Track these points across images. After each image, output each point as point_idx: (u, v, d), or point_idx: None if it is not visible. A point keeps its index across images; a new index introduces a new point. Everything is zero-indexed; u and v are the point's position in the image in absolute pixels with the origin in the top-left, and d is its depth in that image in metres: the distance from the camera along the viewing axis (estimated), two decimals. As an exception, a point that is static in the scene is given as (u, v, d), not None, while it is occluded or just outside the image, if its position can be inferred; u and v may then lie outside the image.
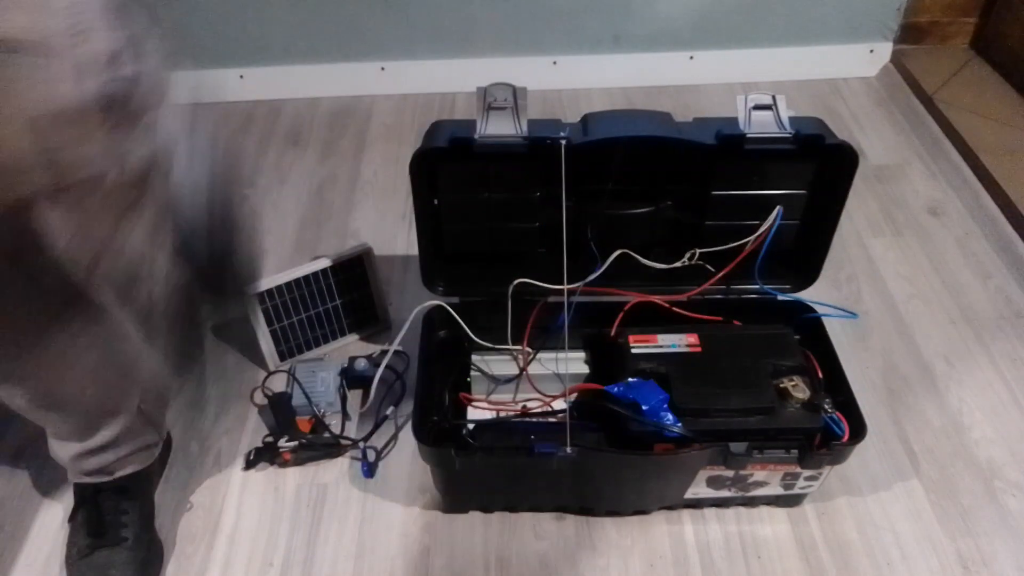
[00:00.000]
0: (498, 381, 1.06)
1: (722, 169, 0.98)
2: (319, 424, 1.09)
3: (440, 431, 0.95)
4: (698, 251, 1.05)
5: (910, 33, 1.81)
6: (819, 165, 0.98)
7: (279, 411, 1.09)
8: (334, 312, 1.18)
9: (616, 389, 0.92)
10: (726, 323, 1.05)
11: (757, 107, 0.93)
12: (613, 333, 1.01)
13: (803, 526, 0.98)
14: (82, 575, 0.93)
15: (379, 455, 1.07)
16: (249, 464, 1.06)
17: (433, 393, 1.02)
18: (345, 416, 1.12)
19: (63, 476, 1.06)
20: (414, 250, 1.08)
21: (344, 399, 1.13)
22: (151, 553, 0.96)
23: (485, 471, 0.92)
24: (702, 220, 1.03)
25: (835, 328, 1.08)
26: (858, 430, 0.89)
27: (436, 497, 1.01)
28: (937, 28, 1.82)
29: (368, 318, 1.22)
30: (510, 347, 1.07)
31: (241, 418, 1.13)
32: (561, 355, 1.06)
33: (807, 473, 0.91)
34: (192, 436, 1.11)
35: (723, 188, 1.00)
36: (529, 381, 1.04)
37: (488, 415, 1.02)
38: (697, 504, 0.99)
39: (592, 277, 1.04)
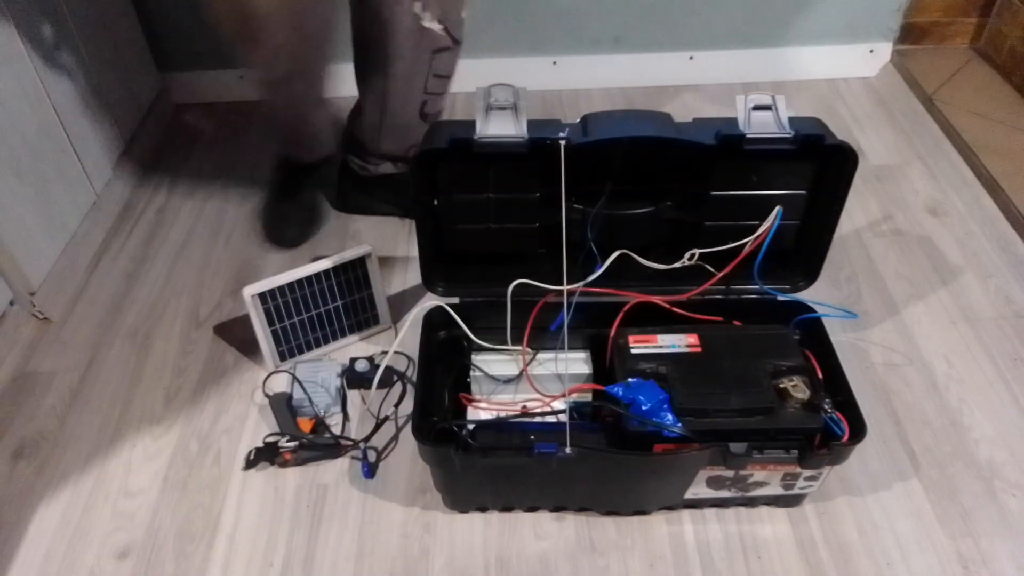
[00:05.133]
0: (498, 381, 1.06)
1: (722, 169, 0.98)
2: (319, 424, 1.09)
3: (440, 431, 0.95)
4: (698, 251, 1.05)
5: (910, 33, 1.81)
6: (819, 165, 0.98)
7: (279, 411, 1.09)
8: (335, 313, 1.18)
9: (616, 389, 0.92)
10: (726, 323, 1.05)
11: (757, 107, 0.93)
12: (613, 333, 1.01)
13: (803, 526, 0.98)
14: (268, 214, 1.44)
15: (379, 455, 1.07)
16: (249, 464, 1.06)
17: (433, 393, 1.02)
18: (345, 416, 1.12)
19: (62, 476, 1.06)
20: (414, 251, 1.09)
21: (344, 400, 1.13)
22: (315, 213, 1.44)
23: (485, 471, 0.92)
24: (702, 220, 1.03)
25: (835, 328, 1.08)
26: (858, 430, 0.89)
27: (436, 497, 1.01)
28: (937, 28, 1.82)
29: (369, 319, 1.22)
30: (510, 347, 1.07)
31: (241, 418, 1.13)
32: (561, 355, 1.06)
33: (807, 473, 0.91)
34: (192, 435, 1.11)
35: (723, 188, 1.00)
36: (529, 381, 1.04)
37: (488, 415, 1.02)
38: (697, 504, 0.99)
39: (592, 277, 1.04)
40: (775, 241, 1.01)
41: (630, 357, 0.96)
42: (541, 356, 1.06)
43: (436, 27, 1.11)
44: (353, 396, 1.15)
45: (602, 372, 1.04)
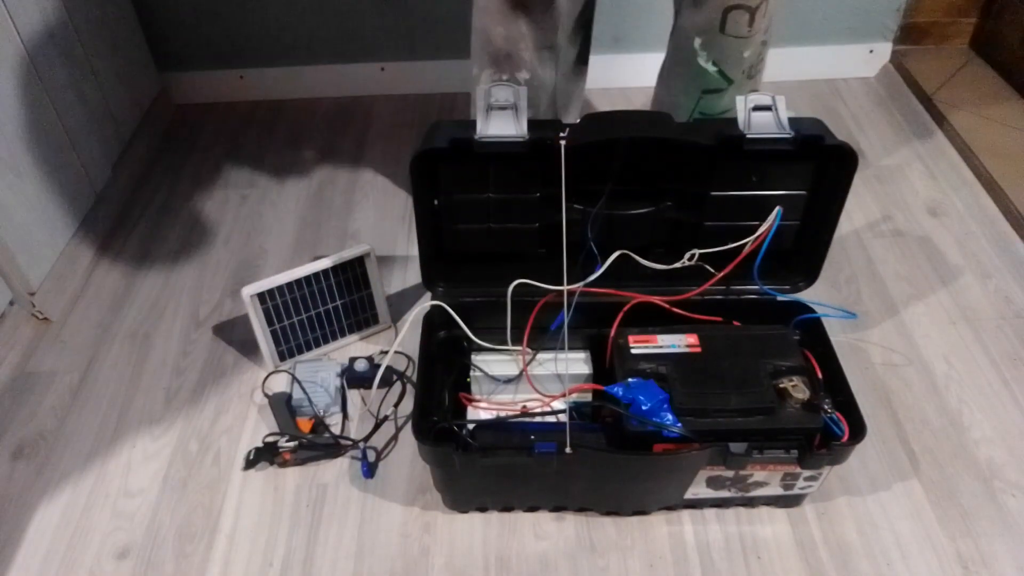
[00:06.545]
0: (498, 381, 1.06)
1: (722, 169, 0.98)
2: (319, 424, 1.09)
3: (440, 431, 0.95)
4: (698, 251, 1.05)
5: (910, 33, 1.81)
6: (819, 165, 0.98)
7: (279, 411, 1.09)
8: (334, 313, 1.18)
9: (616, 389, 0.92)
10: (726, 323, 1.05)
11: (757, 107, 0.93)
12: (613, 333, 1.01)
13: (803, 526, 0.98)
14: None
15: (379, 455, 1.07)
16: (249, 464, 1.06)
17: (433, 393, 1.02)
18: (345, 416, 1.12)
19: (62, 476, 1.06)
20: (414, 251, 1.09)
21: (344, 399, 1.13)
22: None
23: (485, 471, 0.92)
24: (702, 220, 1.03)
25: (835, 328, 1.08)
26: (858, 430, 0.89)
27: (436, 497, 1.01)
28: (937, 28, 1.82)
29: (368, 319, 1.22)
30: (510, 347, 1.07)
31: (241, 418, 1.13)
32: (561, 355, 1.06)
33: (807, 473, 0.91)
34: (191, 435, 1.11)
35: (723, 188, 1.00)
36: (529, 381, 1.04)
37: (488, 415, 1.02)
38: (697, 504, 0.99)
39: (592, 278, 1.04)
40: (775, 241, 1.01)
41: (630, 357, 0.96)
42: (541, 356, 1.06)
43: (711, 68, 1.11)
44: (353, 396, 1.15)
45: (602, 372, 1.04)
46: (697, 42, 1.10)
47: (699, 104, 1.16)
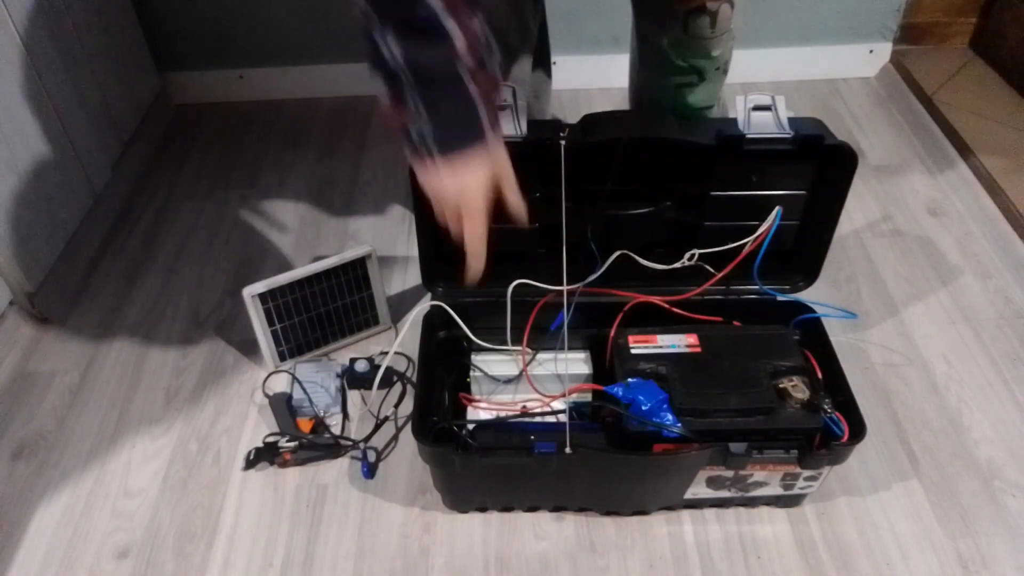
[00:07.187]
0: (498, 381, 1.06)
1: (721, 169, 0.98)
2: (319, 424, 1.09)
3: (440, 431, 0.95)
4: (698, 251, 1.05)
5: (910, 33, 1.81)
6: (818, 165, 0.98)
7: (279, 411, 1.09)
8: (335, 313, 1.18)
9: (616, 389, 0.92)
10: (726, 323, 1.05)
11: (757, 107, 0.93)
12: (613, 333, 1.01)
13: (803, 526, 0.98)
14: None
15: (379, 455, 1.07)
16: (249, 464, 1.06)
17: (433, 393, 1.02)
18: (345, 416, 1.12)
19: (61, 476, 1.06)
20: (414, 251, 1.09)
21: (344, 400, 1.13)
22: None
23: (485, 471, 0.92)
24: (702, 220, 1.03)
25: (835, 328, 1.08)
26: (858, 430, 0.89)
27: (436, 497, 1.01)
28: (937, 28, 1.82)
29: (369, 319, 1.22)
30: (510, 347, 1.07)
31: (241, 418, 1.13)
32: (561, 355, 1.06)
33: (807, 473, 0.91)
34: (191, 435, 1.11)
35: (722, 188, 1.00)
36: (529, 381, 1.04)
37: (488, 415, 1.02)
38: (697, 504, 0.99)
39: (592, 278, 1.04)
40: (775, 241, 1.01)
41: (630, 357, 0.96)
42: (541, 356, 1.06)
43: (682, 63, 1.16)
44: (353, 396, 1.15)
45: (602, 372, 1.04)
46: (664, 42, 1.11)
47: (675, 97, 1.17)
